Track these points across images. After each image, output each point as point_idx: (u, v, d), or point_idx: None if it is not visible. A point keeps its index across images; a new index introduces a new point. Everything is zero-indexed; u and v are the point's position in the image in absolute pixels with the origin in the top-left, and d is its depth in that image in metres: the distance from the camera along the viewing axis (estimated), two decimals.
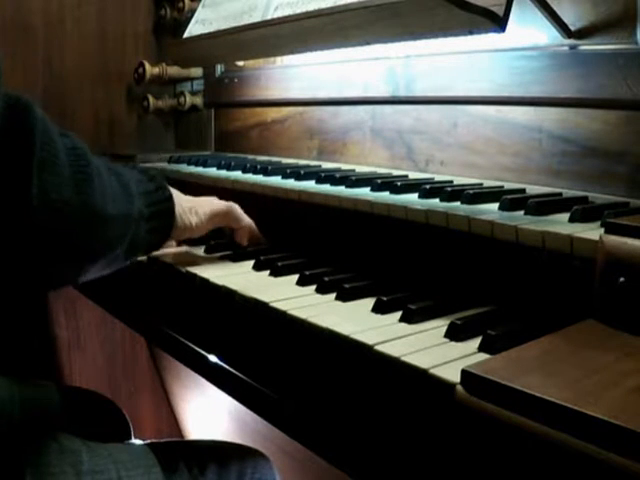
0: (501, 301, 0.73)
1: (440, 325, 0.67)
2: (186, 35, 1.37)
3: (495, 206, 0.81)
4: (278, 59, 1.48)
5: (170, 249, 1.06)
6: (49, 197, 0.70)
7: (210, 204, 1.02)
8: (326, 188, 1.00)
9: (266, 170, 1.17)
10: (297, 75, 1.40)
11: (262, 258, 0.94)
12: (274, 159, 1.40)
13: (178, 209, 0.94)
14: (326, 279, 0.82)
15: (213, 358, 0.79)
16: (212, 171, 1.29)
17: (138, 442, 1.07)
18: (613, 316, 0.58)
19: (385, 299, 0.73)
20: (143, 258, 1.02)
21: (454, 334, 0.64)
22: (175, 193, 0.95)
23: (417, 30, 0.87)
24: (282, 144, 1.45)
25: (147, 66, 1.65)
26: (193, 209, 0.97)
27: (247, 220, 1.06)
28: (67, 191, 0.72)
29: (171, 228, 0.93)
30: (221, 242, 1.07)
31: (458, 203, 0.84)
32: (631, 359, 0.52)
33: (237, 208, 1.04)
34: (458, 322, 0.64)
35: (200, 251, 1.05)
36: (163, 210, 0.91)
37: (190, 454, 0.94)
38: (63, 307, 1.73)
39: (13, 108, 0.71)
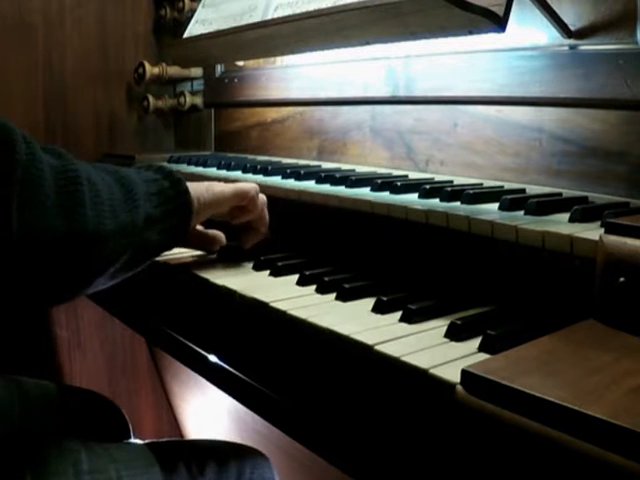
0: (501, 301, 0.73)
1: (440, 325, 0.67)
2: (186, 35, 1.37)
3: (495, 206, 0.81)
4: (278, 59, 1.48)
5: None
6: (31, 229, 0.66)
7: (228, 184, 0.97)
8: (326, 188, 1.00)
9: (266, 170, 1.17)
10: (297, 75, 1.40)
11: (262, 258, 0.94)
12: (274, 159, 1.40)
13: (194, 194, 0.89)
14: (326, 279, 0.82)
15: (213, 358, 0.79)
16: (212, 171, 1.29)
17: (137, 442, 1.07)
18: (613, 316, 0.58)
19: (385, 299, 0.73)
20: None
21: (454, 334, 0.64)
22: (192, 184, 0.90)
23: (417, 30, 0.87)
24: (282, 144, 1.45)
25: (147, 66, 1.65)
26: (210, 188, 0.93)
27: (260, 209, 0.99)
28: (52, 220, 0.68)
29: (188, 223, 0.88)
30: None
31: (458, 203, 0.84)
32: (631, 359, 0.52)
33: (258, 194, 0.98)
34: (458, 322, 0.64)
35: (199, 250, 1.05)
36: (178, 206, 0.86)
37: (189, 454, 0.94)
38: (63, 307, 1.73)
39: None
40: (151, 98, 1.71)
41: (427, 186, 0.91)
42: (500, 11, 0.74)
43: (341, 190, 0.98)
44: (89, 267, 0.74)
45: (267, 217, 1.00)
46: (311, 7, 1.01)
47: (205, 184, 0.95)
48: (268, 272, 0.90)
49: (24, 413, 1.03)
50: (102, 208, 0.73)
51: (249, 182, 0.99)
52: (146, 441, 1.02)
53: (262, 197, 0.99)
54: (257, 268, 0.93)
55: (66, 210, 0.69)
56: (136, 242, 0.79)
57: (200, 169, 1.33)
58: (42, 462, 0.80)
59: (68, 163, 0.72)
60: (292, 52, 1.24)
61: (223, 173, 1.24)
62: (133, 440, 1.14)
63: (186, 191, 0.87)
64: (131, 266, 0.82)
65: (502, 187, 0.95)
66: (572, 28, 0.90)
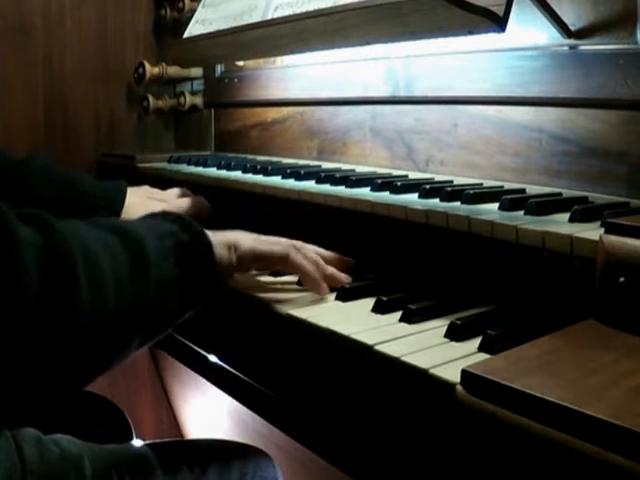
0: (501, 301, 0.73)
1: (440, 325, 0.67)
2: (186, 35, 1.37)
3: (495, 206, 0.81)
4: (278, 59, 1.48)
5: None
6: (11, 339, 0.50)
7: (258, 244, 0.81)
8: (326, 188, 1.00)
9: (266, 170, 1.17)
10: (297, 75, 1.40)
11: None
12: (274, 159, 1.40)
13: (218, 251, 0.74)
14: None
15: (213, 358, 0.79)
16: (212, 171, 1.29)
17: (139, 443, 1.06)
18: (613, 316, 0.58)
19: (385, 299, 0.73)
20: None
21: (454, 334, 0.64)
22: (213, 233, 0.75)
23: (417, 30, 0.87)
24: (282, 144, 1.45)
25: (147, 66, 1.65)
26: (232, 246, 0.77)
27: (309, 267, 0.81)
28: (32, 321, 0.51)
29: (211, 282, 0.73)
30: None
31: (458, 203, 0.84)
32: (631, 359, 0.52)
33: (294, 255, 0.81)
34: (458, 322, 0.64)
35: None
36: (198, 265, 0.70)
37: (191, 454, 0.94)
38: None
39: None
40: (151, 98, 1.71)
41: (427, 186, 0.91)
42: (500, 11, 0.74)
43: (341, 190, 0.98)
44: (91, 358, 0.60)
45: (312, 272, 0.81)
46: (311, 7, 1.01)
47: (233, 238, 0.79)
48: (268, 273, 0.90)
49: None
50: (104, 289, 0.58)
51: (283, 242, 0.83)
52: (148, 442, 1.02)
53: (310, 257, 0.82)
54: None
55: (54, 306, 0.53)
56: (148, 318, 0.64)
57: (200, 169, 1.33)
58: (45, 470, 0.80)
59: (56, 238, 0.55)
60: (292, 52, 1.24)
61: (223, 173, 1.24)
62: (135, 441, 1.14)
63: (209, 244, 0.72)
64: (145, 342, 0.67)
65: (502, 187, 0.95)
66: (572, 28, 0.90)
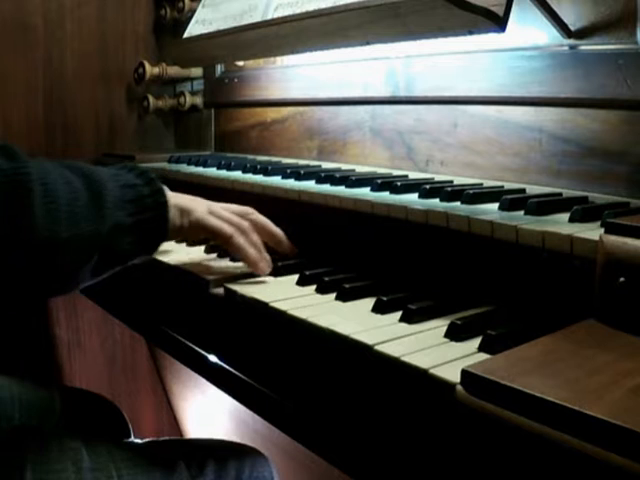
0: (501, 301, 0.73)
1: (440, 325, 0.67)
2: (186, 35, 1.37)
3: (495, 206, 0.81)
4: (278, 59, 1.48)
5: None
6: None
7: (212, 215, 0.89)
8: (326, 188, 1.00)
9: (266, 170, 1.17)
10: (297, 75, 1.40)
11: None
12: (274, 159, 1.40)
13: (173, 212, 0.83)
14: (326, 279, 0.82)
15: (213, 358, 0.79)
16: (212, 171, 1.29)
17: (137, 441, 1.07)
18: (613, 316, 0.58)
19: (385, 299, 0.73)
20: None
21: (454, 334, 0.64)
22: (173, 194, 0.85)
23: (417, 30, 0.87)
24: (282, 144, 1.45)
25: (147, 66, 1.65)
26: (191, 213, 0.87)
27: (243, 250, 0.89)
28: None
29: (162, 238, 0.83)
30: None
31: (458, 203, 0.84)
32: (631, 359, 0.52)
33: (237, 238, 0.89)
34: (458, 322, 0.64)
35: (201, 251, 1.05)
36: (152, 218, 0.80)
37: (188, 452, 0.94)
38: (63, 307, 1.73)
39: None
40: (151, 98, 1.71)
41: (427, 186, 0.91)
42: (500, 11, 0.74)
43: (341, 190, 0.98)
44: (48, 274, 0.72)
45: (252, 254, 0.89)
46: (311, 7, 1.01)
47: (189, 205, 0.87)
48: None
49: (25, 413, 1.03)
50: (57, 215, 0.69)
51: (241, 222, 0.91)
52: (146, 440, 1.02)
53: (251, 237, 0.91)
54: None
55: (10, 217, 0.66)
56: (101, 250, 0.76)
57: (200, 169, 1.33)
58: (43, 460, 0.80)
59: (20, 165, 0.68)
60: (292, 52, 1.24)
61: (223, 173, 1.24)
62: (133, 440, 1.14)
63: (165, 203, 0.82)
64: (98, 272, 0.79)
65: (502, 187, 0.95)
66: (572, 28, 0.90)
